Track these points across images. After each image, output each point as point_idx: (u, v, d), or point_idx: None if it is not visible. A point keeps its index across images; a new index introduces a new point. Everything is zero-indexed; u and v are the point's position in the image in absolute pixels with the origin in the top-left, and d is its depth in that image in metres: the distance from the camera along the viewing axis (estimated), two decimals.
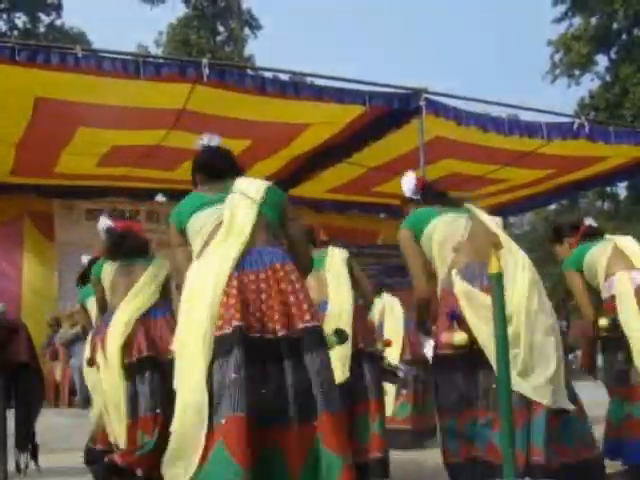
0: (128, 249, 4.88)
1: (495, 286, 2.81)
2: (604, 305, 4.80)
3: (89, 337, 5.25)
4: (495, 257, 2.83)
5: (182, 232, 3.25)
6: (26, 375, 4.06)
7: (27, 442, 4.81)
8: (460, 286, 3.62)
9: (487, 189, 12.14)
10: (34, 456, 5.00)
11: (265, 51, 53.36)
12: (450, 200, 4.18)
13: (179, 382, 2.89)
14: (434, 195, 4.24)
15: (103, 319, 4.89)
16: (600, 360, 4.81)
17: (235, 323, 2.84)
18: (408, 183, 4.32)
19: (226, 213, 3.12)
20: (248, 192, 3.23)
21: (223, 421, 2.71)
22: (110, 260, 4.83)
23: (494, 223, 4.03)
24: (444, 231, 3.88)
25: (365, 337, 4.88)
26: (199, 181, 3.47)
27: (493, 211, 14.14)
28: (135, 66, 7.08)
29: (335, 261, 5.14)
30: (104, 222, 5.25)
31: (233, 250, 3.01)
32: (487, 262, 3.35)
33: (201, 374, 2.79)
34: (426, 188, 4.33)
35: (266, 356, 2.87)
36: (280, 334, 2.90)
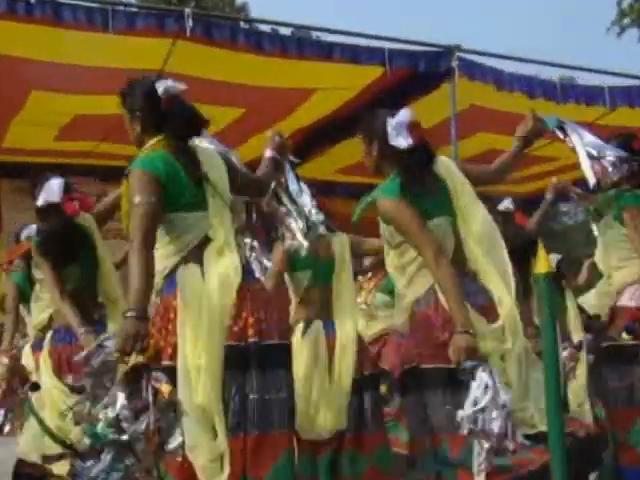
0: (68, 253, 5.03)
1: (543, 288, 2.85)
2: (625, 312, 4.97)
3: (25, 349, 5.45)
4: (543, 254, 2.86)
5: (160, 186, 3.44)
6: None
7: None
8: None
9: (533, 169, 12.12)
10: None
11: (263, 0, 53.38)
12: (430, 178, 3.95)
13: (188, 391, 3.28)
14: (422, 161, 3.95)
15: (55, 336, 5.07)
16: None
17: (251, 339, 3.38)
18: (401, 125, 3.90)
19: (215, 229, 3.51)
20: (221, 189, 3.63)
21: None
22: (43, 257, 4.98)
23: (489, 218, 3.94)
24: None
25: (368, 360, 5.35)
26: (161, 135, 3.61)
27: (539, 197, 14.21)
28: (103, 17, 7.08)
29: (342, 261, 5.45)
30: (51, 194, 5.16)
31: (235, 261, 3.45)
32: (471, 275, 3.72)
33: (218, 383, 3.28)
34: (422, 145, 3.98)
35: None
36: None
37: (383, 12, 71.43)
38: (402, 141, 3.84)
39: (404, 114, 3.89)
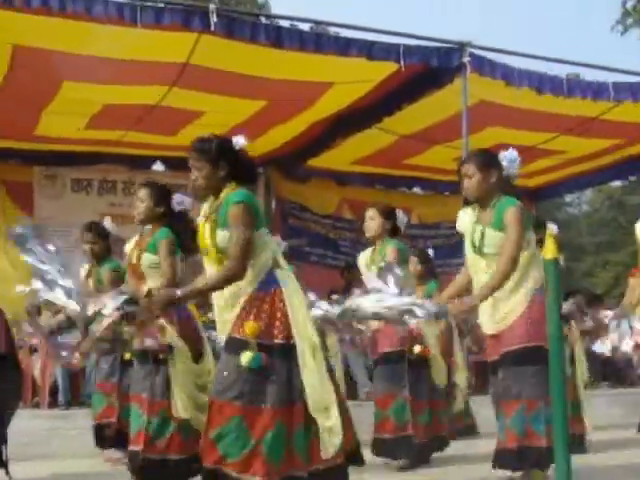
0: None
1: (551, 272, 2.87)
2: None
3: None
4: (551, 242, 2.88)
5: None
6: (2, 369, 4.08)
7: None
8: None
9: (541, 163, 12.09)
10: (3, 464, 5.00)
11: None
12: None
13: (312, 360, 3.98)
14: None
15: None
16: None
17: None
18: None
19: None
20: None
21: None
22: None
23: None
24: None
25: None
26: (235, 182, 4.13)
27: (545, 188, 14.11)
28: (131, 12, 7.09)
29: None
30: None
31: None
32: None
33: None
34: None
35: None
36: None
37: (398, 9, 71.04)
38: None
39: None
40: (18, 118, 9.76)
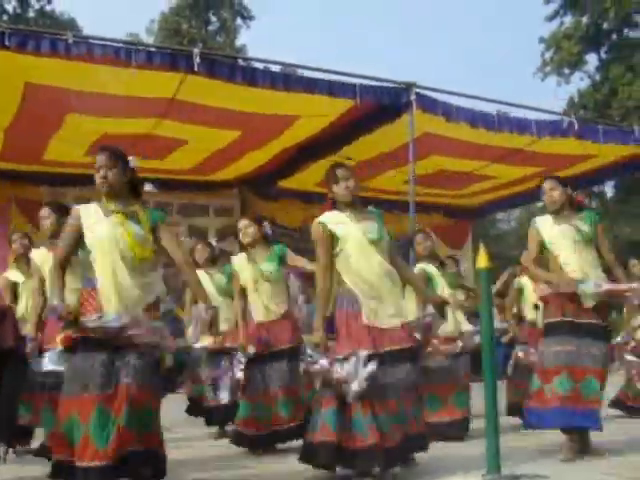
0: None
1: (483, 280, 2.87)
2: None
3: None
4: (483, 253, 2.88)
5: None
6: (11, 361, 4.02)
7: (8, 429, 4.73)
8: None
9: (476, 186, 12.18)
10: (9, 444, 4.90)
11: (259, 42, 53.26)
12: None
13: None
14: None
15: None
16: None
17: None
18: None
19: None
20: None
21: None
22: None
23: None
24: None
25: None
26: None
27: (481, 208, 14.09)
28: (126, 54, 7.04)
29: None
30: None
31: None
32: None
33: None
34: None
35: None
36: None
37: (355, 52, 71.27)
38: None
39: None
40: (29, 145, 9.66)
